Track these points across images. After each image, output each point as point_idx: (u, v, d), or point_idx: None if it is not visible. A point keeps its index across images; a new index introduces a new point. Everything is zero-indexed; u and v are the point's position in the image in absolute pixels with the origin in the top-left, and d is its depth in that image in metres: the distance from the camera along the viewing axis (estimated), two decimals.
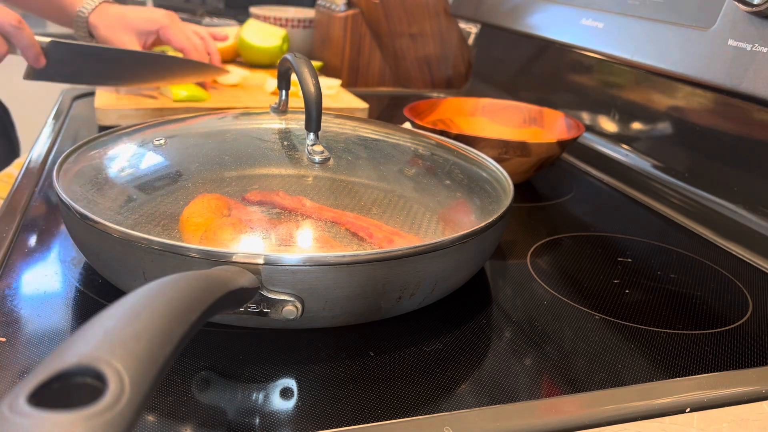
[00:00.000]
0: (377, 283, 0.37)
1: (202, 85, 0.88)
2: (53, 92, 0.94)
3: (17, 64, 0.76)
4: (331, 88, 0.94)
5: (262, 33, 1.10)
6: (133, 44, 0.85)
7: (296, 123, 0.49)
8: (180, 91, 0.82)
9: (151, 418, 0.32)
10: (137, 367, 0.19)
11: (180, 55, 0.87)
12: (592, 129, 0.81)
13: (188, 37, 0.87)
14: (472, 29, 1.12)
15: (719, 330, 0.44)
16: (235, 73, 0.95)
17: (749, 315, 0.47)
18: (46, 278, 0.45)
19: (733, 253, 0.57)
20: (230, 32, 1.14)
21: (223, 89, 0.92)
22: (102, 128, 0.77)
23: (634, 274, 0.52)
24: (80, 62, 0.77)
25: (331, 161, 0.44)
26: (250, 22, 1.12)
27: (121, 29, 0.85)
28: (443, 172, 0.49)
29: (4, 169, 0.89)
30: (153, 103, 0.80)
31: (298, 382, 0.36)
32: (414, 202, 0.43)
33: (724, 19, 0.54)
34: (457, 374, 0.37)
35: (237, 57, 1.16)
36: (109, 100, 0.79)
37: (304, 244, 0.38)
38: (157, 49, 0.92)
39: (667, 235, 0.61)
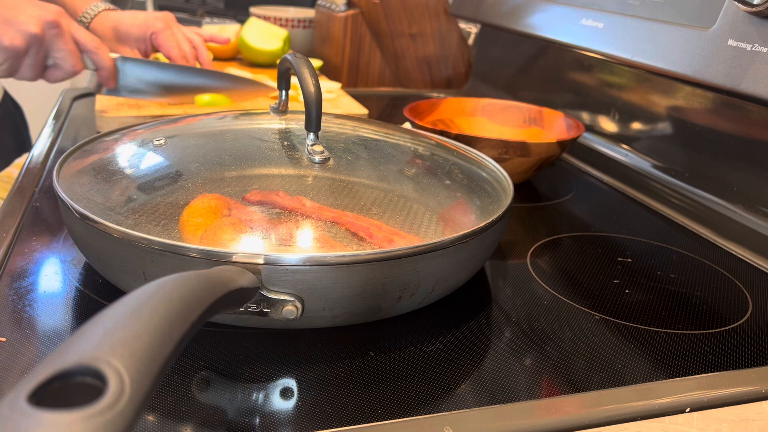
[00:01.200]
0: (377, 283, 0.37)
1: None
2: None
3: None
4: (331, 92, 0.93)
5: (263, 34, 1.10)
6: (132, 54, 0.85)
7: (296, 123, 0.49)
8: (203, 96, 0.82)
9: (151, 417, 0.32)
10: (137, 367, 0.19)
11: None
12: (592, 129, 0.82)
13: (178, 44, 0.86)
14: (472, 29, 1.12)
15: (719, 330, 0.44)
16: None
17: (749, 315, 0.47)
18: (46, 278, 0.45)
19: (733, 253, 0.57)
20: (231, 30, 1.14)
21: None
22: None
23: (634, 274, 0.52)
24: (141, 76, 0.79)
25: (331, 161, 0.44)
26: (252, 22, 1.12)
27: (117, 39, 0.86)
28: (443, 172, 0.49)
29: (4, 169, 0.89)
30: (155, 110, 0.80)
31: (298, 382, 0.36)
32: (414, 202, 0.43)
33: (724, 19, 0.54)
34: (457, 374, 0.37)
35: (237, 55, 1.16)
36: (110, 108, 0.79)
37: (304, 244, 0.38)
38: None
39: (667, 235, 0.61)
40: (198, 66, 0.88)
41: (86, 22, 0.87)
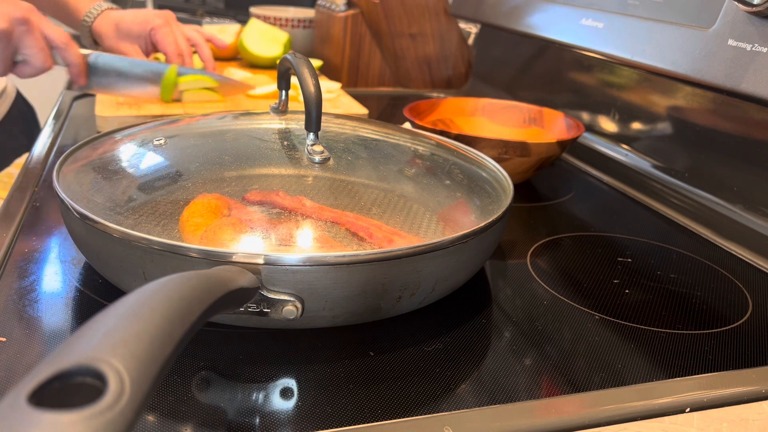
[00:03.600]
0: (377, 283, 0.37)
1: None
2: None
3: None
4: (331, 92, 0.93)
5: (263, 39, 1.10)
6: (134, 51, 0.86)
7: (296, 123, 0.49)
8: (186, 79, 0.82)
9: (151, 418, 0.32)
10: (137, 367, 0.19)
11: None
12: (592, 129, 0.82)
13: (176, 41, 0.86)
14: (472, 29, 1.12)
15: (719, 330, 0.44)
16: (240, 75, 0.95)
17: (749, 315, 0.47)
18: (46, 278, 0.45)
19: (733, 253, 0.57)
20: (231, 30, 1.14)
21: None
22: None
23: (634, 274, 0.52)
24: (117, 74, 0.79)
25: (331, 161, 0.44)
26: (252, 24, 1.12)
27: (119, 38, 0.86)
28: (443, 172, 0.49)
29: (4, 169, 0.90)
30: (153, 110, 0.80)
31: (298, 382, 0.36)
32: (414, 202, 0.43)
33: (724, 19, 0.54)
34: (457, 374, 0.37)
35: (237, 55, 1.16)
36: (110, 108, 0.79)
37: (304, 244, 0.38)
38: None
39: (667, 235, 0.61)
40: (192, 66, 0.88)
41: (90, 21, 0.87)
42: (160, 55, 0.94)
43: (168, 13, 0.88)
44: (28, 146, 0.99)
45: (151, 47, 0.88)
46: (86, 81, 0.77)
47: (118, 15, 0.87)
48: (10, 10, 0.66)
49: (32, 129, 1.05)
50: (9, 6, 0.66)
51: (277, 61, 1.00)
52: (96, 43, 0.89)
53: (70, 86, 0.79)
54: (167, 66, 0.81)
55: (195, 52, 0.91)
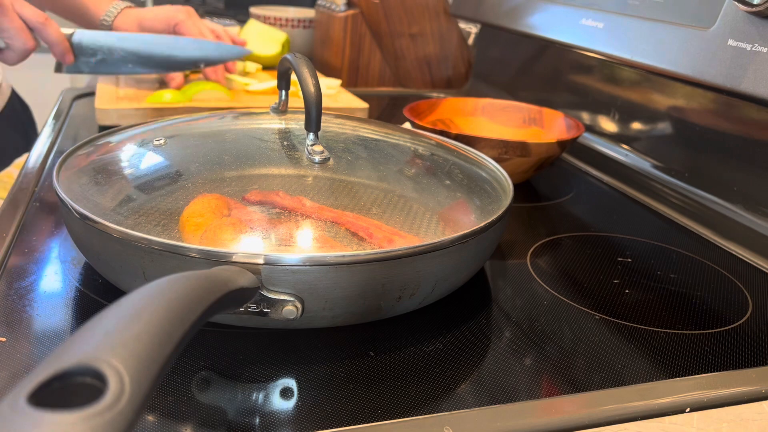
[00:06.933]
0: (377, 283, 0.37)
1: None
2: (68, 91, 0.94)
3: (38, 63, 0.78)
4: (331, 88, 0.94)
5: (262, 38, 1.10)
6: None
7: (296, 123, 0.49)
8: (199, 83, 0.82)
9: (151, 418, 0.32)
10: (137, 367, 0.19)
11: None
12: (592, 129, 0.81)
13: (201, 32, 0.87)
14: (472, 29, 1.12)
15: (719, 330, 0.44)
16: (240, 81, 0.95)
17: (749, 315, 0.47)
18: (46, 278, 0.45)
19: (733, 253, 0.57)
20: (231, 32, 1.14)
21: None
22: (102, 128, 0.77)
23: (634, 274, 0.52)
24: (105, 51, 0.78)
25: (331, 161, 0.44)
26: (251, 24, 1.12)
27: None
28: (443, 172, 0.49)
29: (4, 169, 0.89)
30: (153, 103, 0.80)
31: (298, 382, 0.36)
32: (414, 202, 0.43)
33: (724, 19, 0.54)
34: (457, 374, 0.37)
35: None
36: (109, 100, 0.79)
37: (304, 244, 0.38)
38: None
39: (667, 235, 0.61)
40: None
41: (109, 21, 0.87)
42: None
43: (189, 8, 0.89)
44: (24, 145, 0.99)
45: None
46: (72, 59, 0.76)
47: (138, 13, 0.88)
48: None
49: (28, 128, 1.05)
50: None
51: (277, 62, 1.00)
52: None
53: (59, 68, 0.78)
54: (171, 71, 0.81)
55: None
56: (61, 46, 0.74)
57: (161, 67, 0.83)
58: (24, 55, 0.71)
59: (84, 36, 0.76)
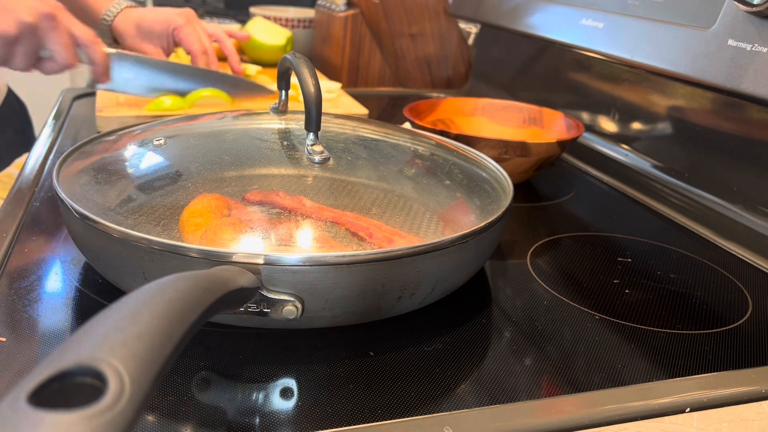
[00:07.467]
0: (377, 283, 0.37)
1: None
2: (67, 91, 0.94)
3: None
4: (331, 92, 0.93)
5: (267, 30, 1.10)
6: (155, 51, 0.86)
7: (296, 123, 0.49)
8: (203, 90, 0.82)
9: (151, 418, 0.32)
10: (137, 367, 0.19)
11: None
12: (592, 129, 0.81)
13: (199, 39, 0.86)
14: (472, 29, 1.12)
15: (719, 330, 0.44)
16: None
17: (749, 315, 0.47)
18: (46, 278, 0.45)
19: (733, 253, 0.57)
20: (230, 28, 1.14)
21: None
22: None
23: (634, 274, 0.52)
24: (136, 73, 0.79)
25: (331, 161, 0.44)
26: (256, 20, 1.12)
27: (140, 37, 0.86)
28: (443, 172, 0.49)
29: (4, 169, 0.89)
30: (154, 110, 0.79)
31: (298, 382, 0.36)
32: (414, 202, 0.43)
33: (724, 19, 0.54)
34: (457, 374, 0.37)
35: (240, 54, 1.16)
36: (110, 108, 0.79)
37: (304, 244, 0.38)
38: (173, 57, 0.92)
39: (667, 235, 0.61)
40: (215, 65, 0.88)
41: (109, 19, 0.87)
42: (181, 50, 0.94)
43: (189, 12, 0.89)
44: (21, 144, 1.00)
45: (172, 46, 0.88)
46: (109, 80, 0.77)
47: (138, 14, 0.88)
48: (38, 5, 0.66)
49: (25, 127, 1.05)
50: (37, 1, 0.66)
51: (286, 50, 1.00)
52: (116, 42, 0.89)
53: (92, 84, 0.79)
54: (191, 84, 0.81)
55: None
56: (103, 67, 0.74)
57: (181, 92, 0.83)
58: (64, 70, 0.71)
59: (121, 57, 0.77)
